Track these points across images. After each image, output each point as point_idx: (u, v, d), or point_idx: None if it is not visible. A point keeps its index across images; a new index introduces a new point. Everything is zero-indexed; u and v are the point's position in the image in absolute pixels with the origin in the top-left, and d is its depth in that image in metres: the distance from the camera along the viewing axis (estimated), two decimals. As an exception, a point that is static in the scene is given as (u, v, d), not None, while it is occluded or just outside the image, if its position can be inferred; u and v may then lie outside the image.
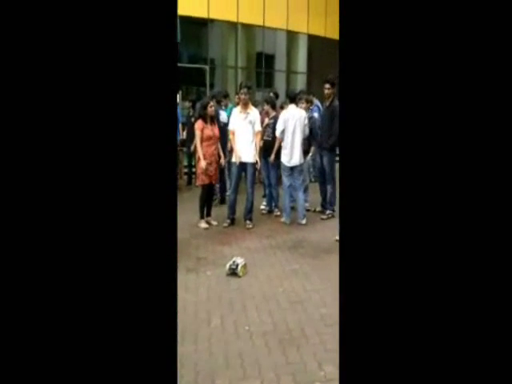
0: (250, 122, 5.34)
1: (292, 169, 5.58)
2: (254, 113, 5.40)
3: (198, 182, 5.43)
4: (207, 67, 10.97)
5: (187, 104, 7.91)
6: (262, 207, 6.37)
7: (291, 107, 5.59)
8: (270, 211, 6.15)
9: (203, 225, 5.43)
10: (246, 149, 5.37)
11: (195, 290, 3.61)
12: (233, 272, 3.96)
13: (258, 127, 5.42)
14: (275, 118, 5.71)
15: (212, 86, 11.21)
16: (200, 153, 5.25)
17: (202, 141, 5.26)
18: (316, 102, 7.30)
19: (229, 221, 5.52)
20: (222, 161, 5.53)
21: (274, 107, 5.97)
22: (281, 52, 13.07)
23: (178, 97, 10.30)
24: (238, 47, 11.72)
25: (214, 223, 5.55)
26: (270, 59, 12.98)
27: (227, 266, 3.98)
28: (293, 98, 5.66)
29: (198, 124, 5.30)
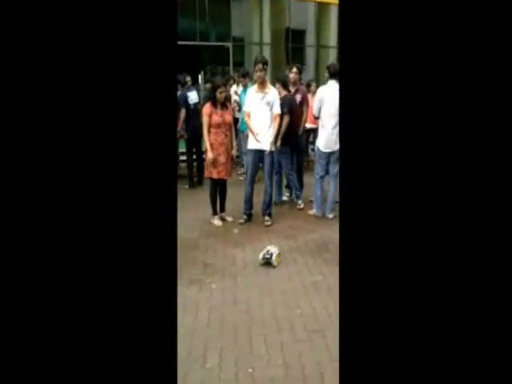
0: (268, 104, 4.58)
1: (329, 155, 4.83)
2: (272, 93, 4.63)
3: (206, 174, 4.80)
4: (230, 45, 10.19)
5: (208, 86, 7.16)
6: (285, 198, 5.67)
7: (330, 83, 4.76)
8: (291, 200, 5.49)
9: (216, 222, 4.80)
10: (262, 134, 4.64)
11: (194, 311, 2.98)
12: (267, 262, 3.67)
13: (277, 109, 4.66)
14: (284, 99, 4.98)
15: (236, 64, 10.43)
16: (207, 142, 4.59)
17: (209, 128, 4.57)
18: None
19: (245, 217, 4.86)
20: (234, 152, 4.83)
21: (285, 86, 5.20)
22: (310, 25, 12.07)
23: (200, 78, 9.66)
24: (263, 22, 10.83)
25: (229, 219, 4.91)
26: (298, 33, 12.04)
27: (260, 255, 3.67)
28: (334, 74, 4.70)
29: (206, 108, 4.61)
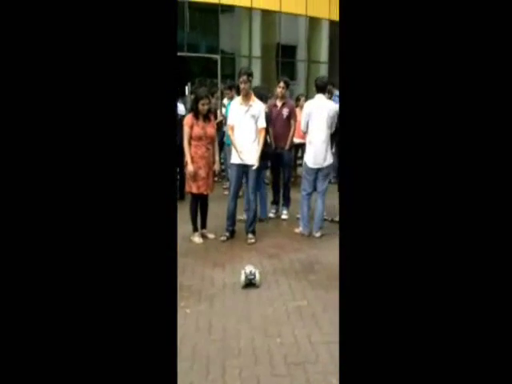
0: (253, 117, 4.38)
1: (317, 172, 4.61)
2: (256, 105, 4.43)
3: (187, 189, 4.55)
4: (218, 57, 10.07)
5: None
6: (271, 215, 5.44)
7: (318, 97, 4.60)
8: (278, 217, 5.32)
9: (196, 239, 4.54)
10: (246, 148, 4.41)
11: (164, 339, 2.70)
12: (250, 282, 3.42)
13: (262, 123, 4.45)
14: None
15: (225, 76, 10.30)
16: (187, 154, 4.35)
17: (190, 140, 4.35)
18: (336, 92, 6.29)
19: (227, 234, 4.60)
20: (216, 167, 4.58)
21: (262, 99, 4.92)
22: (300, 40, 12.02)
23: (187, 89, 9.49)
24: (253, 35, 10.76)
25: (211, 236, 4.65)
26: (288, 48, 11.98)
27: (242, 277, 3.43)
28: (321, 88, 4.62)
29: (187, 119, 4.41)
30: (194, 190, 4.43)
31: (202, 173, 4.37)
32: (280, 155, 5.27)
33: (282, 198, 5.42)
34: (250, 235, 4.55)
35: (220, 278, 3.66)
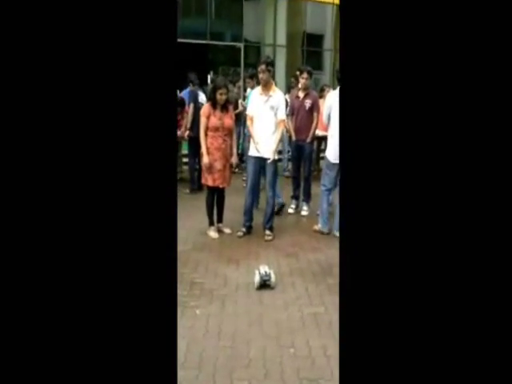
0: (272, 108, 4.15)
1: (339, 167, 4.36)
2: (277, 96, 4.19)
3: (202, 181, 4.40)
4: (242, 45, 9.81)
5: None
6: (291, 210, 5.22)
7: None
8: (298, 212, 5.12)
9: (212, 233, 4.37)
10: (265, 141, 4.19)
11: (170, 343, 2.54)
12: (264, 284, 3.23)
13: (282, 114, 4.21)
14: None
15: (248, 65, 10.04)
16: (203, 145, 4.17)
17: (206, 131, 4.16)
18: None
19: (244, 229, 4.42)
20: (233, 160, 4.36)
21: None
22: (327, 29, 11.63)
23: (209, 78, 9.29)
24: (278, 23, 10.43)
25: (227, 231, 4.47)
26: (314, 37, 11.61)
27: (256, 277, 3.23)
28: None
29: (204, 109, 4.24)
30: (210, 183, 4.25)
31: (218, 165, 4.18)
32: (301, 148, 5.04)
33: (303, 192, 5.19)
34: (268, 232, 4.35)
35: (234, 276, 3.48)
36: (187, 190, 6.01)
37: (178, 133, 6.19)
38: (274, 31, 10.43)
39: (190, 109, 5.88)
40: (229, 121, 4.22)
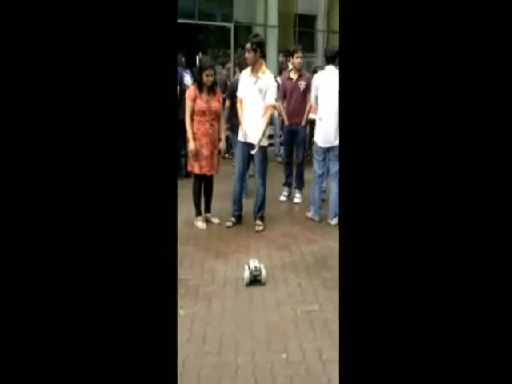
0: (260, 91, 3.84)
1: (327, 151, 4.13)
2: (266, 78, 3.87)
3: (189, 168, 4.11)
4: (231, 25, 9.41)
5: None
6: (283, 198, 4.97)
7: (328, 69, 4.09)
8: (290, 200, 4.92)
9: (199, 224, 4.12)
10: (252, 126, 3.90)
11: (150, 349, 2.30)
12: (254, 279, 3.01)
13: (271, 98, 3.89)
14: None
15: (238, 47, 9.66)
16: (189, 130, 3.89)
17: (192, 115, 3.88)
18: None
19: (233, 219, 4.17)
20: (221, 145, 4.10)
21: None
22: (320, 9, 11.23)
23: (197, 59, 8.92)
24: (269, 3, 10.02)
25: (216, 221, 4.22)
26: (307, 18, 11.22)
27: (246, 272, 3.00)
28: (331, 58, 4.10)
29: (190, 92, 3.94)
30: (197, 170, 3.98)
31: (205, 151, 3.91)
32: (294, 132, 4.76)
33: (295, 179, 4.94)
34: (258, 221, 4.10)
35: (222, 271, 3.24)
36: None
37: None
38: (265, 11, 10.02)
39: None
40: (216, 104, 3.93)
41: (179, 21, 9.12)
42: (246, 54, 3.83)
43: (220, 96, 4.06)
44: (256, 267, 3.02)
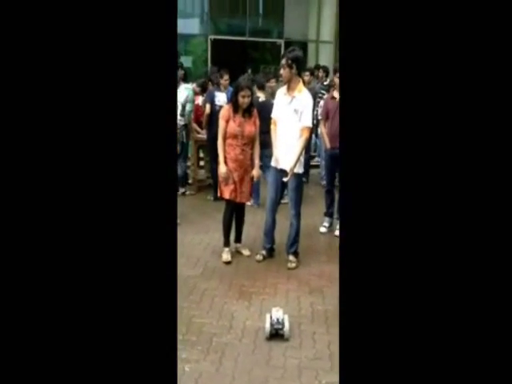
0: (296, 112, 3.43)
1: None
2: (302, 98, 3.45)
3: (219, 194, 3.80)
4: (282, 41, 9.14)
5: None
6: (323, 230, 4.51)
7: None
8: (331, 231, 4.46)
9: (225, 256, 3.74)
10: (286, 150, 3.48)
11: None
12: (276, 333, 2.60)
13: (307, 120, 3.46)
14: (259, 103, 4.37)
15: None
16: (220, 153, 3.57)
17: (224, 136, 3.55)
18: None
19: (264, 252, 3.77)
20: (255, 172, 3.67)
21: (260, 88, 4.84)
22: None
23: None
24: (322, 17, 9.65)
25: (246, 253, 3.85)
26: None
27: (267, 324, 2.61)
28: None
29: (224, 111, 3.60)
30: (226, 196, 3.65)
31: (235, 176, 3.59)
32: (337, 157, 4.30)
33: (337, 209, 4.46)
34: (291, 257, 3.67)
35: (242, 317, 2.84)
36: (211, 197, 5.48)
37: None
38: (317, 26, 9.66)
39: (206, 109, 5.31)
40: (251, 128, 3.56)
41: (229, 37, 9.04)
42: (281, 71, 3.45)
43: (256, 119, 3.65)
44: (278, 319, 2.59)
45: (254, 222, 4.44)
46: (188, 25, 9.18)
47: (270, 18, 9.66)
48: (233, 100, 3.54)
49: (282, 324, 2.58)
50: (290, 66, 3.38)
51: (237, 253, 3.85)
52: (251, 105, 3.56)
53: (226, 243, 3.81)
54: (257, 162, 3.69)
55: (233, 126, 3.50)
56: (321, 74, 6.83)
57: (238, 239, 3.92)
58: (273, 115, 3.63)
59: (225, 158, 3.56)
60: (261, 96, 4.82)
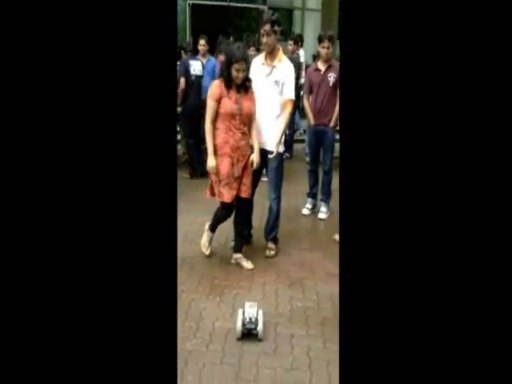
0: (277, 83, 3.03)
1: None
2: (283, 67, 3.03)
3: (207, 194, 3.05)
4: (265, 7, 8.58)
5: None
6: (305, 211, 4.18)
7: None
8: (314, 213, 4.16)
9: (204, 243, 3.26)
10: (267, 127, 3.08)
11: None
12: (249, 332, 2.30)
13: (289, 92, 3.04)
14: None
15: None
16: (209, 141, 2.87)
17: (214, 119, 2.87)
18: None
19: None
20: (255, 157, 2.94)
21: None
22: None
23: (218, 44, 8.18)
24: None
25: (249, 266, 3.11)
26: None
27: (238, 322, 2.31)
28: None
29: (213, 89, 2.86)
30: (226, 199, 2.91)
31: (236, 171, 2.89)
32: (321, 134, 3.95)
33: (321, 189, 4.14)
34: (270, 244, 3.35)
35: (212, 316, 2.52)
36: (187, 175, 5.12)
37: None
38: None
39: (180, 83, 4.85)
40: (249, 104, 2.88)
41: (208, 2, 8.44)
42: (264, 39, 2.99)
43: (253, 94, 2.94)
44: (251, 318, 2.28)
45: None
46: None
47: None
48: (224, 74, 2.83)
49: (256, 323, 2.27)
50: (275, 32, 2.95)
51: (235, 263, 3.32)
52: (247, 79, 2.88)
53: (213, 229, 3.21)
54: (256, 145, 2.96)
55: (228, 104, 2.80)
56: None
57: (237, 249, 3.18)
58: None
59: (219, 148, 2.86)
60: None
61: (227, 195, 2.90)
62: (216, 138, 2.87)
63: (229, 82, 2.82)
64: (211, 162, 2.86)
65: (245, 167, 2.93)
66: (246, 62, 2.83)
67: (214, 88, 2.84)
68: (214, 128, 2.87)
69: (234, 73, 2.78)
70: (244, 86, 2.86)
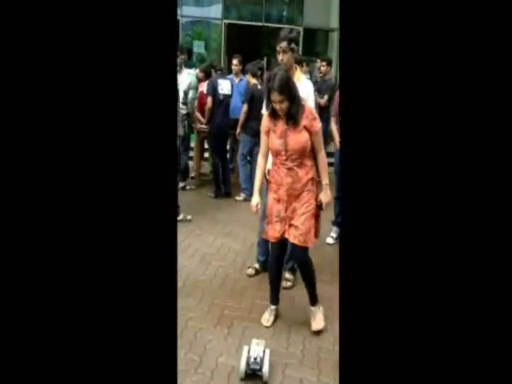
0: None
1: None
2: (302, 86, 2.81)
3: (263, 235, 2.75)
4: (301, 29, 8.53)
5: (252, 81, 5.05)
6: (330, 241, 3.97)
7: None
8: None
9: (266, 317, 2.69)
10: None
11: None
12: (253, 373, 2.09)
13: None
14: (250, 88, 4.70)
15: (307, 53, 8.76)
16: (257, 177, 2.63)
17: (265, 154, 2.61)
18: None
19: (257, 265, 3.29)
20: (324, 198, 2.55)
21: (254, 75, 4.82)
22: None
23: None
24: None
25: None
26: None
27: (242, 361, 2.10)
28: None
29: (262, 122, 2.57)
30: (271, 238, 2.60)
31: (281, 208, 2.52)
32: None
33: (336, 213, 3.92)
34: (288, 274, 3.15)
35: (216, 350, 2.34)
36: (212, 194, 5.06)
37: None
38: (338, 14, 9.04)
39: (207, 102, 4.81)
40: (298, 139, 2.42)
41: (244, 22, 8.49)
42: (280, 56, 2.87)
43: (310, 127, 2.44)
44: (256, 358, 2.09)
45: (247, 224, 3.93)
46: (202, 8, 8.68)
47: (289, 3, 9.06)
48: (270, 105, 2.46)
49: (260, 364, 2.07)
50: (292, 50, 2.82)
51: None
52: (295, 110, 2.40)
53: (273, 300, 2.71)
54: (325, 181, 2.55)
55: (273, 138, 2.47)
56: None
57: (271, 300, 2.70)
58: (263, 111, 3.02)
59: (269, 183, 2.60)
60: (255, 82, 4.78)
61: (269, 233, 2.59)
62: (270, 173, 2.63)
63: (274, 114, 2.47)
64: (253, 199, 2.64)
65: (295, 208, 2.49)
66: (284, 92, 2.34)
67: (263, 121, 2.56)
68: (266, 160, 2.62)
69: (273, 104, 2.41)
70: (292, 117, 2.41)
